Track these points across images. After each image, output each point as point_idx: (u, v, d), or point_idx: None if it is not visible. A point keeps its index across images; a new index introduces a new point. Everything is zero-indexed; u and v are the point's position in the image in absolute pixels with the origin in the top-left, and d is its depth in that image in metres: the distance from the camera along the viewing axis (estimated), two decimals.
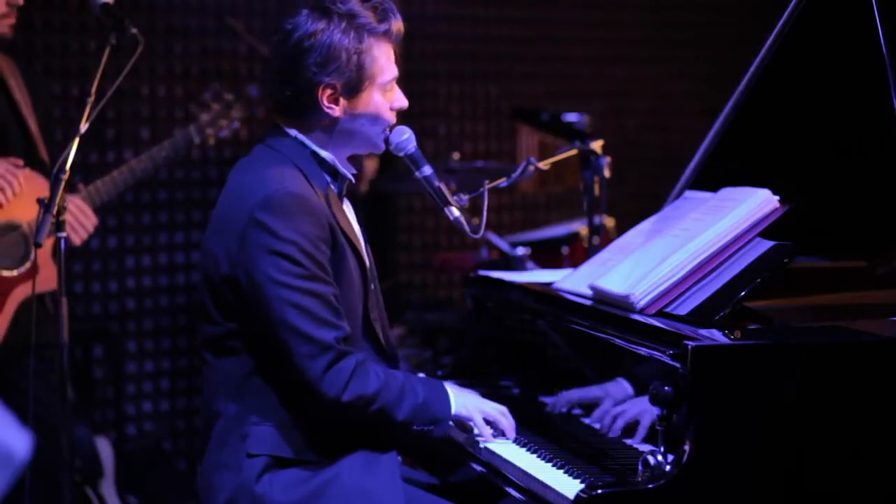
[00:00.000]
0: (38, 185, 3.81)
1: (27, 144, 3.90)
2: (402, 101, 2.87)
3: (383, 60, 2.81)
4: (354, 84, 2.79)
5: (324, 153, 2.84)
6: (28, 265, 3.78)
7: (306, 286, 2.69)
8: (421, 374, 3.19)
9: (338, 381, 2.69)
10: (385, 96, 2.83)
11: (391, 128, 2.89)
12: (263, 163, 2.81)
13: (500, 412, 2.91)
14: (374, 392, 2.73)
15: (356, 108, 2.81)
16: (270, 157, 2.82)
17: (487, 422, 2.89)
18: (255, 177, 2.77)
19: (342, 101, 2.80)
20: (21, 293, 3.80)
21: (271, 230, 2.69)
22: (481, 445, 2.90)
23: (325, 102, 2.79)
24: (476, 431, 2.91)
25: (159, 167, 4.17)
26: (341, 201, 2.90)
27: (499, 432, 2.91)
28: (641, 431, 2.79)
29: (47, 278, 3.63)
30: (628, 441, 2.82)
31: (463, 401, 2.87)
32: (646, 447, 2.72)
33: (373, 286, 2.93)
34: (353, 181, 2.93)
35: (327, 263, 2.75)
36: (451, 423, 2.86)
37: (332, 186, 2.87)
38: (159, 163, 4.11)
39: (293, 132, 2.84)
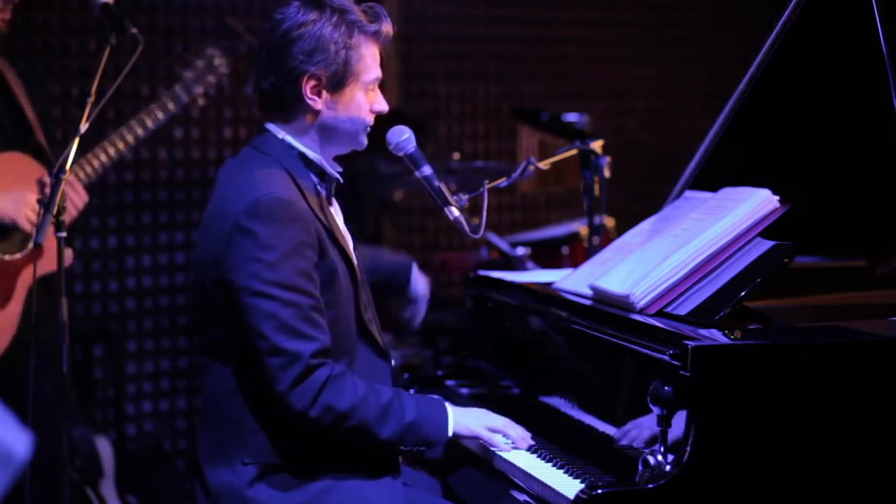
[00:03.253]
0: (30, 168, 3.82)
1: (24, 130, 3.90)
2: (383, 105, 2.88)
3: (369, 60, 2.82)
4: (339, 78, 2.79)
5: (311, 154, 2.84)
6: (30, 248, 3.79)
7: (285, 296, 2.66)
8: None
9: (306, 395, 2.66)
10: (367, 96, 2.83)
11: (371, 128, 2.89)
12: (251, 165, 2.80)
13: (506, 424, 2.89)
14: (347, 408, 2.69)
15: (338, 103, 2.81)
16: (258, 159, 2.81)
17: (495, 432, 2.88)
18: (243, 180, 2.76)
19: (325, 94, 2.80)
20: (28, 276, 3.81)
21: (255, 236, 2.68)
22: (497, 454, 2.88)
23: (308, 93, 2.78)
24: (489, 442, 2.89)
25: (150, 133, 4.16)
26: (329, 203, 2.89)
27: (510, 443, 2.89)
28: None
29: (48, 260, 3.61)
30: (628, 441, 2.81)
31: (465, 420, 2.82)
32: (646, 447, 2.72)
33: (364, 287, 2.91)
34: (342, 181, 2.93)
35: (313, 270, 2.73)
36: (445, 444, 2.82)
37: (320, 188, 2.86)
38: (150, 128, 4.11)
39: (280, 134, 2.83)
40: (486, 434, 2.84)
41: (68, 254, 3.46)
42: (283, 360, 2.66)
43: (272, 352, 2.66)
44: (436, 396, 2.94)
